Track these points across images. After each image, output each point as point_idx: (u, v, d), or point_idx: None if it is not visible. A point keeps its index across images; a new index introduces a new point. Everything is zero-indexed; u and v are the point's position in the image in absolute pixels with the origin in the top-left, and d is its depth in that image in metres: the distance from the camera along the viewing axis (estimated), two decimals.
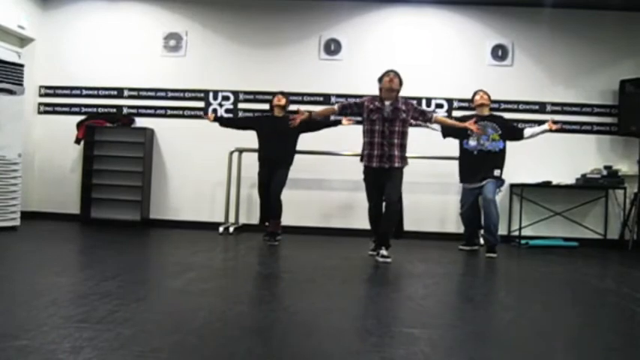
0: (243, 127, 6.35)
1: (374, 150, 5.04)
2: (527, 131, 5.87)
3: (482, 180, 5.67)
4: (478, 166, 5.70)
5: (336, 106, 5.21)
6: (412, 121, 5.18)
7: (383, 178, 5.07)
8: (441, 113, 7.28)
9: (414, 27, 7.36)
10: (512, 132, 5.86)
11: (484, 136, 5.68)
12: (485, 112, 5.86)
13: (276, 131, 5.93)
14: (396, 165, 5.04)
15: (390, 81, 5.04)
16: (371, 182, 5.12)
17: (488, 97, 5.91)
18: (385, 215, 5.06)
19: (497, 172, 5.69)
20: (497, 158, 5.72)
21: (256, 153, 6.67)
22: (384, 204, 5.17)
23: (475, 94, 5.95)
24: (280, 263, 5.07)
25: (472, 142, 5.74)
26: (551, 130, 5.75)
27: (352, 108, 5.16)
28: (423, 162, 6.84)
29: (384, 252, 5.00)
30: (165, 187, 7.42)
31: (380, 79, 5.15)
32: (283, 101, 6.05)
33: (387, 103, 5.06)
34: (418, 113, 5.21)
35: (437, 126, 5.71)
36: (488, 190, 5.63)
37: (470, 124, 5.38)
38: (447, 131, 5.87)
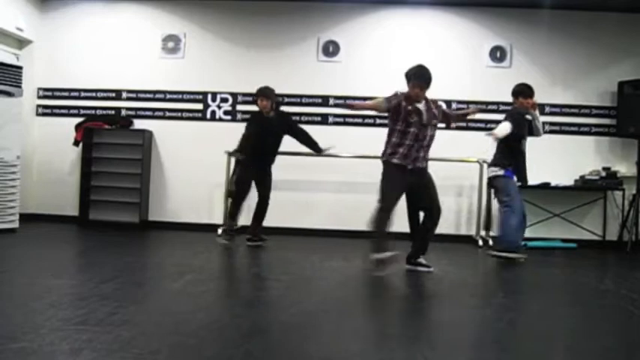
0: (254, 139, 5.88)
1: (406, 150, 4.72)
2: None
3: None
4: (523, 161, 5.61)
5: (383, 104, 4.75)
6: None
7: (414, 181, 4.76)
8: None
9: (412, 29, 7.37)
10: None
11: (536, 124, 5.61)
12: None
13: (268, 132, 5.79)
14: (425, 166, 4.86)
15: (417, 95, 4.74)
16: (399, 183, 4.72)
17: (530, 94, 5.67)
18: (433, 222, 4.85)
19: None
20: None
21: None
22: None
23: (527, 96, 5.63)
24: (279, 265, 5.07)
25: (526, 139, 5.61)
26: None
27: (392, 104, 4.75)
28: None
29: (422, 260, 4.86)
30: (163, 188, 7.41)
31: (409, 79, 4.79)
32: (267, 105, 5.77)
33: (420, 106, 4.75)
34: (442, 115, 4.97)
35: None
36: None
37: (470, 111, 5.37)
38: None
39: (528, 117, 5.57)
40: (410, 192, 4.82)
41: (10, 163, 6.10)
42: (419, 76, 4.74)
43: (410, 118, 4.69)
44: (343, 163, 6.84)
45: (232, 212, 5.94)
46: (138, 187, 7.18)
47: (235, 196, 5.93)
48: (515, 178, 5.56)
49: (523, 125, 5.54)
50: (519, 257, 5.51)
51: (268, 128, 5.80)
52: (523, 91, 5.64)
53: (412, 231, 5.03)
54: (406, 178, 4.71)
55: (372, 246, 4.62)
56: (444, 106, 5.14)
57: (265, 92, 5.83)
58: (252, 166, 5.83)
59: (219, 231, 6.17)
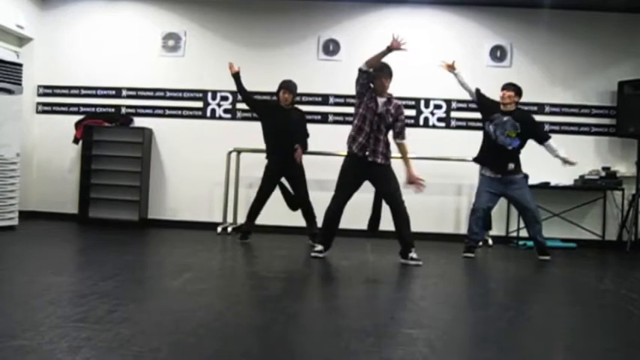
0: (252, 105, 6.16)
1: (360, 137, 4.99)
2: (552, 143, 5.60)
3: (502, 174, 5.56)
4: (493, 155, 5.58)
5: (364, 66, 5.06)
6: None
7: (368, 174, 5.03)
8: (439, 114, 7.29)
9: (412, 28, 7.33)
10: (535, 134, 5.63)
11: (500, 128, 5.51)
12: (510, 108, 5.61)
13: (287, 125, 5.90)
14: (379, 161, 5.00)
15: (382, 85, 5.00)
16: (354, 176, 5.06)
17: (515, 93, 5.63)
18: (400, 218, 4.98)
19: (510, 166, 5.54)
20: (509, 156, 5.56)
21: (254, 153, 6.67)
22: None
23: (502, 89, 5.69)
24: (278, 264, 5.07)
25: (491, 127, 5.57)
26: (565, 162, 5.59)
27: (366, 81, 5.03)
28: (421, 162, 6.83)
29: (413, 254, 4.95)
30: (163, 187, 7.41)
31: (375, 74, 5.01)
32: (289, 99, 5.94)
33: (380, 100, 5.01)
34: (398, 123, 5.09)
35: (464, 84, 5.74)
36: (525, 199, 5.58)
37: (414, 179, 5.05)
38: (480, 101, 5.73)
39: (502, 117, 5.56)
40: (373, 184, 5.12)
41: (10, 160, 6.09)
42: (382, 69, 4.99)
43: (369, 102, 4.98)
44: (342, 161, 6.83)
45: (249, 212, 6.05)
46: (137, 185, 7.17)
47: (253, 202, 6.02)
48: (487, 173, 5.66)
49: (488, 109, 5.62)
50: (467, 255, 5.64)
51: (287, 120, 5.90)
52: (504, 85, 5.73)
53: (374, 214, 5.26)
54: (364, 171, 5.01)
55: (318, 236, 5.24)
56: (400, 123, 5.11)
57: (289, 85, 5.98)
58: (275, 167, 5.93)
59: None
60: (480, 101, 5.75)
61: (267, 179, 5.95)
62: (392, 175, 5.06)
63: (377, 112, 4.97)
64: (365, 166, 5.00)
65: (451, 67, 5.72)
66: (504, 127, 5.54)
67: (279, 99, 5.99)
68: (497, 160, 5.59)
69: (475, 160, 5.89)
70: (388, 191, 5.03)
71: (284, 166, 5.90)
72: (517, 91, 5.67)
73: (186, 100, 7.40)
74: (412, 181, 5.03)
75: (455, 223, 7.20)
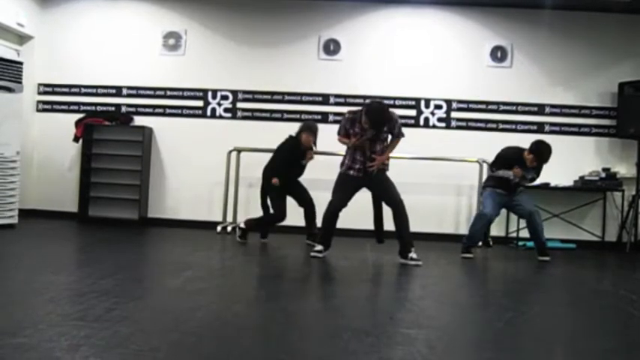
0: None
1: (357, 165, 5.06)
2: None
3: (512, 194, 5.73)
4: (508, 184, 5.72)
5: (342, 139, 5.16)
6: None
7: (367, 182, 5.10)
8: (439, 114, 7.28)
9: (413, 28, 7.36)
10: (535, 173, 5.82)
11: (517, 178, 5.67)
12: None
13: (298, 163, 6.00)
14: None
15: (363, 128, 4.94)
16: (349, 188, 5.14)
17: (540, 161, 5.65)
18: (400, 218, 5.01)
19: (521, 189, 5.77)
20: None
21: (254, 153, 6.69)
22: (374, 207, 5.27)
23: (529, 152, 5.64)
24: (278, 263, 5.07)
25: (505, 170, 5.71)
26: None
27: (347, 127, 5.08)
28: (421, 162, 6.85)
29: (413, 254, 4.96)
30: (163, 186, 7.41)
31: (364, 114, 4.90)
32: (311, 142, 5.89)
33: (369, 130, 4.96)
34: (395, 131, 5.07)
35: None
36: (527, 202, 5.71)
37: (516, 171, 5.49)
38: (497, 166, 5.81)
39: (513, 174, 5.63)
40: (371, 191, 5.19)
41: (10, 158, 6.09)
42: (367, 112, 4.86)
43: (363, 133, 4.96)
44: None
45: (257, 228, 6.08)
46: (137, 183, 7.17)
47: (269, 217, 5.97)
48: (498, 190, 5.74)
49: (501, 163, 5.70)
50: (467, 256, 5.67)
51: (298, 160, 5.94)
52: (531, 148, 5.64)
53: (377, 225, 5.33)
54: (359, 183, 5.10)
55: (318, 237, 5.22)
56: (397, 130, 5.07)
57: (313, 128, 5.92)
58: (283, 191, 5.92)
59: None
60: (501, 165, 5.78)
61: (275, 187, 5.87)
62: (388, 179, 5.11)
63: (371, 138, 4.98)
64: (364, 176, 5.07)
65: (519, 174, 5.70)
66: (521, 179, 5.69)
67: (300, 141, 5.87)
68: (511, 187, 5.73)
69: (489, 186, 5.90)
70: (388, 197, 5.08)
71: (288, 190, 5.98)
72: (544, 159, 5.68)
73: (186, 99, 7.40)
74: (376, 160, 5.01)
75: (455, 223, 7.20)
